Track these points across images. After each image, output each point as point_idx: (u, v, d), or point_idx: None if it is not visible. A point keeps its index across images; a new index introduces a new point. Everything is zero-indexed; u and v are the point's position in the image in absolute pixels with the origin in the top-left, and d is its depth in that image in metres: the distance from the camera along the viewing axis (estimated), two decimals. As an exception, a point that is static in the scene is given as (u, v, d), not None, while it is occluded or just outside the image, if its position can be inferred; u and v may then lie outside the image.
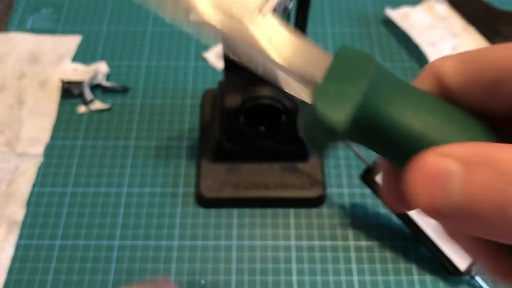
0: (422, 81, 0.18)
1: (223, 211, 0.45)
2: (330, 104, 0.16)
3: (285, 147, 0.45)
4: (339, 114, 0.16)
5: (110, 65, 0.54)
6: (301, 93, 0.19)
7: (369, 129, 0.17)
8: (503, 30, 0.54)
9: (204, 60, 0.55)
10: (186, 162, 0.48)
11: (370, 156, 0.43)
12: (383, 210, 0.45)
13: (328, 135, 0.17)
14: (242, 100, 0.40)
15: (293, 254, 0.43)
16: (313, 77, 0.18)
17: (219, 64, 0.55)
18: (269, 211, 0.45)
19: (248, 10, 0.19)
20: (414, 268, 0.42)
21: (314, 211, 0.45)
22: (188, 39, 0.57)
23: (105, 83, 0.52)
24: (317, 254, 0.43)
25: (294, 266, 0.42)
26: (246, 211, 0.45)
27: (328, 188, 0.46)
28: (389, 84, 0.17)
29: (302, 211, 0.45)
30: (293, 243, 0.43)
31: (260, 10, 0.19)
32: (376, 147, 0.18)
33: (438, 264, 0.42)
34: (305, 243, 0.43)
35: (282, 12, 0.19)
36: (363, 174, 0.43)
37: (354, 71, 0.17)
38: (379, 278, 0.42)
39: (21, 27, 0.58)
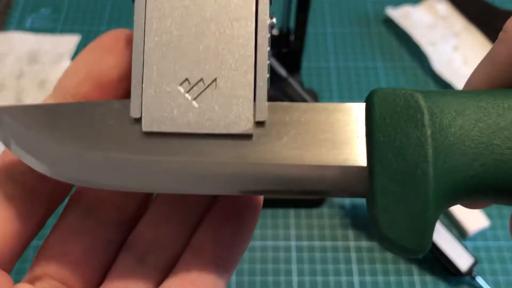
0: (503, 49, 0.15)
1: (223, 212, 0.45)
2: (403, 233, 0.13)
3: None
4: (418, 241, 0.13)
5: (109, 64, 0.54)
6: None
7: (461, 200, 0.14)
8: (504, 29, 0.54)
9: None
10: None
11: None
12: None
13: (411, 256, 0.14)
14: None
15: (293, 254, 0.43)
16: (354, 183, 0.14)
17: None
18: (269, 211, 0.45)
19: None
20: (414, 268, 0.42)
21: (314, 211, 0.45)
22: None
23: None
24: (318, 255, 0.43)
25: (294, 266, 0.42)
26: (246, 211, 0.45)
27: (328, 188, 0.46)
28: (454, 121, 0.13)
29: (303, 211, 0.45)
30: (293, 243, 0.43)
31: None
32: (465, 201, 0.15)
33: (439, 264, 0.42)
34: (305, 243, 0.43)
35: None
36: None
37: (405, 143, 0.13)
38: (380, 278, 0.41)
39: (20, 27, 0.58)
